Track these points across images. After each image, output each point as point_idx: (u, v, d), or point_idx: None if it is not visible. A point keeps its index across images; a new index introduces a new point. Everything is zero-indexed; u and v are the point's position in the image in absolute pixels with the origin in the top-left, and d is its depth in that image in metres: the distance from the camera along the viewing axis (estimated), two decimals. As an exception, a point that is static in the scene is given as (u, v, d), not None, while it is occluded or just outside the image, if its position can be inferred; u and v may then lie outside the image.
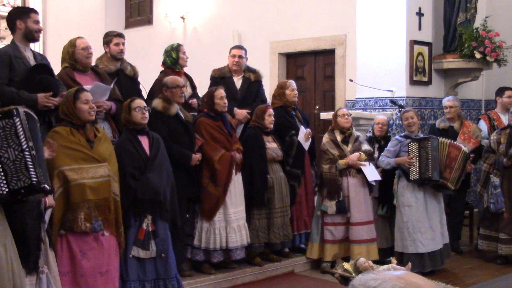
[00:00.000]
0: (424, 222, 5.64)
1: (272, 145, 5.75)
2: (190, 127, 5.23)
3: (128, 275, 4.43)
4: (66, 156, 4.02)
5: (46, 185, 3.41)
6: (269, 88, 8.67)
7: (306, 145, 5.99)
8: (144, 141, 4.59)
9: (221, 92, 5.41)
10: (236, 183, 5.43)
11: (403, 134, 5.93)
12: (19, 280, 3.32)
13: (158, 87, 5.43)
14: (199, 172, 5.30)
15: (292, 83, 6.12)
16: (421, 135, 5.88)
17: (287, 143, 5.89)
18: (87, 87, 4.66)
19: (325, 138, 5.95)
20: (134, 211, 4.44)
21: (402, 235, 5.67)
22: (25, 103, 3.97)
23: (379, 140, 6.19)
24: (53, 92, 4.41)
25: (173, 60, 5.75)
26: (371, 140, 6.23)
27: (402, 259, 5.54)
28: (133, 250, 4.44)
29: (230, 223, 5.33)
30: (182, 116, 5.18)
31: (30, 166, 3.28)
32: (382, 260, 5.52)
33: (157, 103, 5.09)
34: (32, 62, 4.60)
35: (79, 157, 4.06)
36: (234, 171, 5.40)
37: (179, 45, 5.86)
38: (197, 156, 5.14)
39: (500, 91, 6.89)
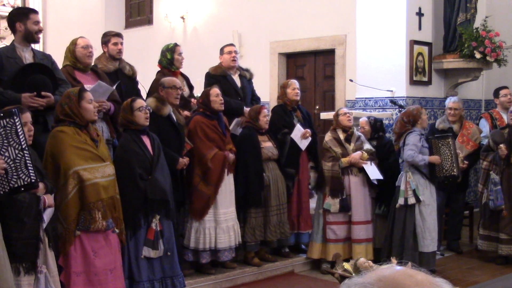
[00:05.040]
0: (436, 220, 5.66)
1: (267, 144, 5.74)
2: (181, 130, 5.14)
3: (141, 276, 4.44)
4: (77, 156, 4.03)
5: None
6: (269, 88, 8.69)
7: (302, 145, 5.95)
8: (147, 141, 4.60)
9: (216, 90, 5.39)
10: (227, 183, 5.39)
11: (418, 130, 5.69)
12: (10, 279, 3.33)
13: (156, 88, 5.41)
14: (190, 171, 5.25)
15: (294, 82, 6.14)
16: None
17: (279, 141, 5.88)
18: (88, 86, 4.65)
19: (328, 136, 5.95)
20: (144, 212, 4.44)
21: (423, 235, 5.51)
22: (8, 103, 3.95)
23: (369, 141, 6.13)
24: (37, 92, 4.29)
25: (168, 60, 5.73)
26: None
27: (402, 258, 5.51)
28: (144, 250, 4.45)
29: (220, 223, 5.28)
30: (174, 118, 5.11)
31: (30, 165, 3.31)
32: (378, 259, 5.49)
33: (150, 102, 5.00)
34: (29, 62, 4.51)
35: (88, 157, 4.07)
36: (226, 171, 5.36)
37: (175, 46, 5.81)
38: (184, 161, 5.04)
39: (496, 92, 6.91)
